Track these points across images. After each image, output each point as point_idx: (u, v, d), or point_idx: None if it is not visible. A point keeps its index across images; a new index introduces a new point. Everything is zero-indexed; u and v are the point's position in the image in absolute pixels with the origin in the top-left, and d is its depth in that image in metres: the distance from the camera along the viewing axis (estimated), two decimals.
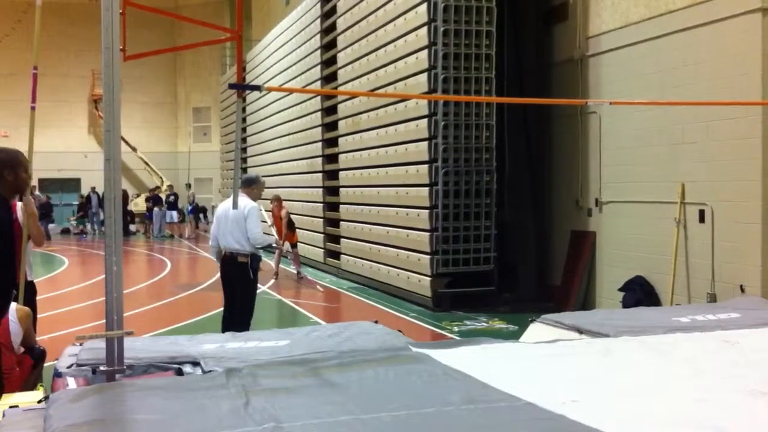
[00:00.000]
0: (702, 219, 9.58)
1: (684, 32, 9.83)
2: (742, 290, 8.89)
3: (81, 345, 5.14)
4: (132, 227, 31.54)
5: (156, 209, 29.47)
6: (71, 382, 4.61)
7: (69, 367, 4.77)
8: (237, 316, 8.17)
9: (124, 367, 4.46)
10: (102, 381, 4.43)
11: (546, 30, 12.88)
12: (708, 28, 9.46)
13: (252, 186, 8.35)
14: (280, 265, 16.41)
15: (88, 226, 32.10)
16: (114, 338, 4.37)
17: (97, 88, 35.08)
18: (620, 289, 10.66)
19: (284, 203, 16.35)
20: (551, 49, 12.77)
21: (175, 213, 29.71)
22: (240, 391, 4.04)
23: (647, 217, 10.55)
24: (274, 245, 8.49)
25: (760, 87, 8.74)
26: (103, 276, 4.38)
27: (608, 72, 11.34)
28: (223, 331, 7.64)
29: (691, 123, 9.70)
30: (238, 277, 8.08)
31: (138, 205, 33.05)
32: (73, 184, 36.67)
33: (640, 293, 10.34)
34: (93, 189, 31.44)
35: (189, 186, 31.35)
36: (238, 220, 7.97)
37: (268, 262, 18.85)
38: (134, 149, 36.11)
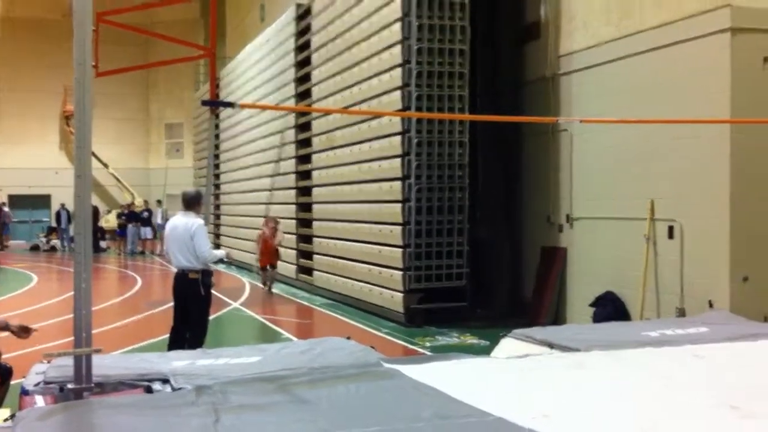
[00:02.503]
0: (671, 235, 9.69)
1: (654, 52, 9.97)
2: (711, 305, 8.98)
3: (49, 362, 5.07)
4: (103, 244, 31.23)
5: (130, 225, 29.20)
6: (39, 400, 4.55)
7: (36, 385, 4.71)
8: (191, 333, 8.13)
9: (93, 384, 4.41)
10: (70, 399, 4.38)
11: (519, 49, 12.99)
12: (678, 48, 9.60)
13: (197, 203, 8.26)
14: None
15: (57, 243, 31.77)
16: (82, 355, 4.33)
17: (69, 104, 34.76)
18: (591, 305, 10.73)
19: (279, 227, 16.60)
20: (524, 67, 12.88)
21: (149, 229, 29.47)
22: (209, 409, 4.01)
23: (617, 233, 10.64)
24: (225, 259, 8.51)
25: (728, 106, 8.88)
26: (72, 293, 4.34)
27: (579, 90, 11.46)
28: (169, 349, 7.60)
29: (661, 141, 9.82)
30: (191, 295, 8.07)
31: (109, 221, 32.75)
32: (43, 201, 36.30)
33: (610, 308, 10.41)
34: (63, 205, 31.14)
35: (160, 202, 31.07)
36: (185, 238, 7.95)
37: (240, 278, 18.75)
38: (106, 165, 35.80)
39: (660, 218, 9.88)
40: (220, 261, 8.29)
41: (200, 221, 8.07)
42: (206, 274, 8.08)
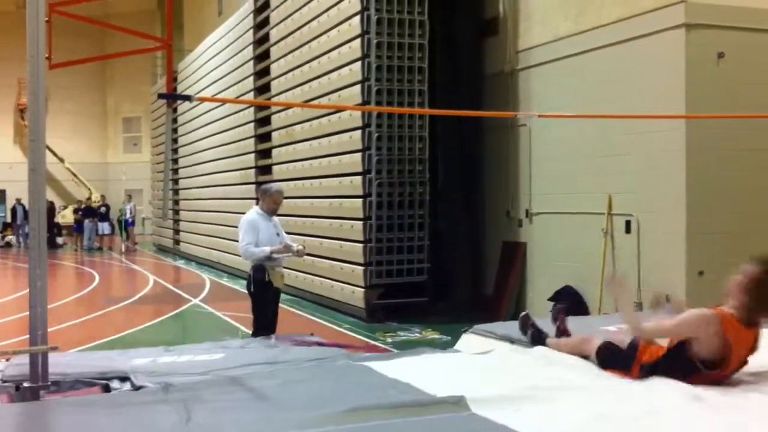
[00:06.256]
0: (628, 230, 9.80)
1: (611, 47, 10.07)
2: (667, 299, 9.09)
3: (7, 361, 4.99)
4: (59, 240, 30.74)
5: (86, 221, 28.74)
6: None
7: None
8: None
9: (49, 383, 4.35)
10: (27, 398, 4.31)
11: (478, 43, 13.04)
12: (634, 43, 9.71)
13: (262, 196, 8.16)
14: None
15: (13, 239, 31.19)
16: (38, 354, 4.26)
17: (23, 97, 34.15)
18: (550, 299, 10.81)
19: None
20: (483, 62, 12.93)
21: (106, 224, 29.04)
22: (180, 407, 3.96)
23: (576, 228, 10.75)
24: (275, 256, 7.84)
25: (683, 100, 9.01)
26: (28, 290, 4.27)
27: (538, 85, 11.54)
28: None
29: (618, 136, 9.93)
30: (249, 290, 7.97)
31: (65, 217, 32.21)
32: None
33: (569, 303, 10.50)
34: (18, 200, 30.55)
35: (130, 198, 30.43)
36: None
37: (199, 274, 18.49)
38: (61, 160, 35.26)
39: (617, 213, 9.99)
40: (267, 259, 7.59)
41: (246, 216, 7.91)
42: (256, 269, 7.86)
